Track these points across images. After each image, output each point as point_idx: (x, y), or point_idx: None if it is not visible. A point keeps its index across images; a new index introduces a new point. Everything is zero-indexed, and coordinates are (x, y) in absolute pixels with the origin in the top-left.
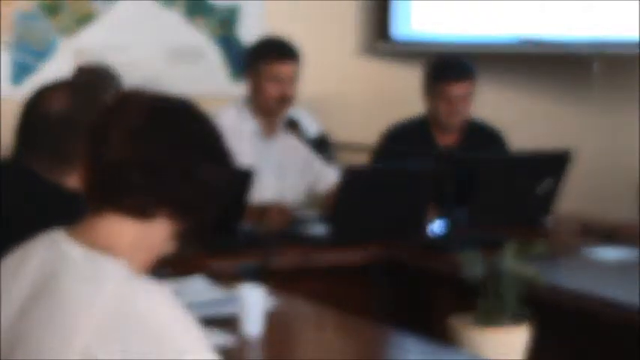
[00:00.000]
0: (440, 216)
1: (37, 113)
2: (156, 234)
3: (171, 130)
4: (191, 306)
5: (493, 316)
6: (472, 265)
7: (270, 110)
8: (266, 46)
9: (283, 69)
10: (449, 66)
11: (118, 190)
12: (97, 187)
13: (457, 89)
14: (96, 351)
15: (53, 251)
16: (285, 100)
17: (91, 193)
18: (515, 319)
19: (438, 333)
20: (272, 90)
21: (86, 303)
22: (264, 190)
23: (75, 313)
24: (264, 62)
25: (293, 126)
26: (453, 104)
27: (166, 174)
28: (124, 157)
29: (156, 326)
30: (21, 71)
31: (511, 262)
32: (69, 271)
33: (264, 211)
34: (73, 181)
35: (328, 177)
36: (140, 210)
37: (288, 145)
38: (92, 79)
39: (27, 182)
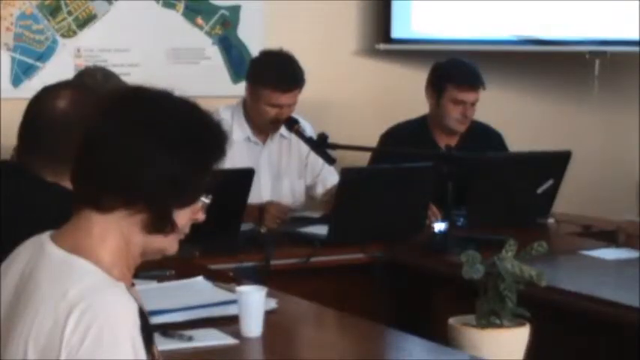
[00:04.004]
0: (440, 216)
1: (39, 113)
2: (128, 228)
3: (145, 128)
4: (191, 307)
5: (493, 316)
6: (472, 266)
7: (263, 128)
8: (271, 70)
9: (284, 99)
10: (462, 72)
11: (97, 187)
12: (77, 186)
13: (469, 96)
14: (53, 344)
15: (36, 254)
16: (280, 121)
17: (75, 192)
18: (515, 319)
19: (438, 333)
20: (269, 113)
21: (49, 305)
22: (260, 193)
23: (37, 314)
24: (265, 87)
25: (292, 125)
26: (463, 110)
27: (140, 169)
28: (97, 154)
29: (106, 336)
30: (21, 71)
31: (511, 262)
32: (44, 273)
33: (261, 209)
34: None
35: (327, 178)
36: (113, 205)
37: (284, 147)
38: (94, 81)
39: (27, 183)
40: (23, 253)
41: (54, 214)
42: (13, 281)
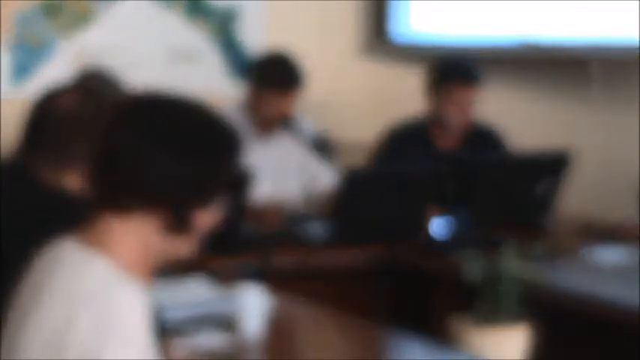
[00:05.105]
0: (440, 217)
1: (45, 113)
2: (145, 229)
3: (157, 130)
4: (191, 306)
5: (493, 316)
6: (472, 266)
7: (263, 128)
8: (274, 72)
9: (285, 100)
10: (459, 69)
11: (111, 189)
12: (95, 188)
13: (467, 93)
14: (62, 337)
15: (56, 251)
16: (281, 121)
17: (92, 195)
18: (515, 319)
19: (438, 333)
20: (270, 113)
21: (60, 303)
22: (261, 192)
23: (49, 312)
24: (268, 89)
25: (290, 124)
26: (461, 107)
27: (153, 170)
28: (111, 156)
29: (118, 325)
30: (21, 71)
31: (511, 262)
32: (59, 272)
33: (260, 212)
34: (74, 180)
35: (325, 176)
36: (129, 207)
37: (284, 145)
38: (99, 82)
39: (26, 186)
40: (45, 254)
41: (49, 218)
42: (32, 281)
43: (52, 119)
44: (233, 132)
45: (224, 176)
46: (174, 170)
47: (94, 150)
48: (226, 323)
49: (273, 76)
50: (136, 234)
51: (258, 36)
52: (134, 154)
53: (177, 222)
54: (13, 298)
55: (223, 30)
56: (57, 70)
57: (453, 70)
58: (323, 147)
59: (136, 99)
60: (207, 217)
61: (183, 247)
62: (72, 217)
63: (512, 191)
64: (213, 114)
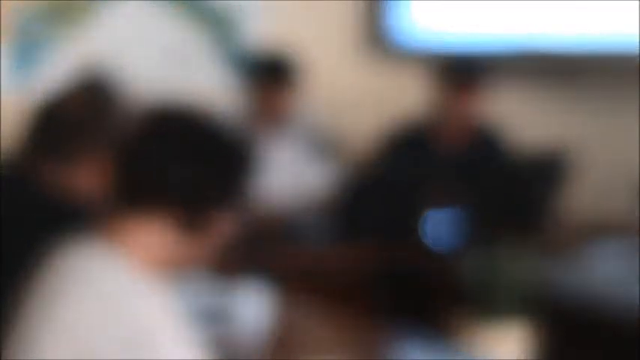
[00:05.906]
0: (440, 217)
1: (47, 115)
2: (161, 229)
3: (171, 137)
4: (191, 305)
5: (492, 316)
6: (472, 265)
7: (261, 127)
8: (270, 70)
9: (282, 98)
10: (462, 70)
11: (129, 190)
12: (114, 189)
13: (469, 94)
14: (85, 333)
15: (74, 251)
16: (278, 121)
17: (111, 195)
18: (514, 319)
19: (438, 333)
20: (267, 112)
21: (82, 303)
22: (260, 192)
23: (76, 304)
24: (264, 87)
25: (291, 124)
26: (463, 108)
27: (167, 172)
28: (129, 160)
29: (144, 323)
30: (21, 71)
31: (511, 262)
32: (81, 267)
33: (259, 214)
34: (77, 180)
35: (323, 176)
36: (146, 206)
37: (282, 145)
38: (99, 84)
39: (26, 188)
40: (61, 255)
41: (50, 220)
42: (50, 281)
43: (54, 122)
44: (242, 140)
45: (233, 181)
46: (185, 172)
47: (114, 155)
48: (225, 322)
49: (268, 74)
50: (152, 233)
51: (258, 36)
52: (149, 158)
53: (191, 222)
54: (23, 299)
55: (223, 30)
56: (57, 70)
57: (456, 71)
58: (322, 146)
59: (153, 110)
60: (224, 223)
61: (199, 250)
62: (72, 220)
63: (512, 191)
64: (225, 125)
